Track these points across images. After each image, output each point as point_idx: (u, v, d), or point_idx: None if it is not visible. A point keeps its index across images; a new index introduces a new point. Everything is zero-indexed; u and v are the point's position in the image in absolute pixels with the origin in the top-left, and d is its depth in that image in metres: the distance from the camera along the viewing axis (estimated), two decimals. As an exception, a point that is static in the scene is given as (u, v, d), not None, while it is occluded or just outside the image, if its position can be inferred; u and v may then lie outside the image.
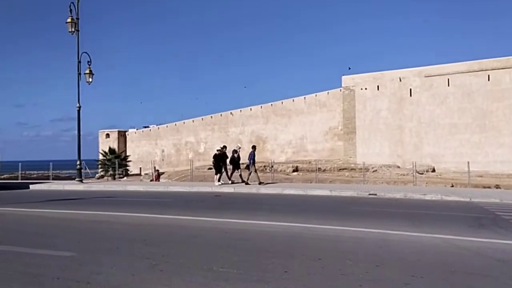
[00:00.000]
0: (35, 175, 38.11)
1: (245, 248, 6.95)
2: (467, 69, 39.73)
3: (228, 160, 21.51)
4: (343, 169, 40.37)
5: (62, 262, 6.05)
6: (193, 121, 63.64)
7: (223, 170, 20.90)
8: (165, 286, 4.91)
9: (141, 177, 44.68)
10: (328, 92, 52.12)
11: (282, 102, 56.16)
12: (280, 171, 39.65)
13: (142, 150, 66.74)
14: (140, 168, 61.84)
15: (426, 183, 27.25)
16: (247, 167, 21.13)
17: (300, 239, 7.77)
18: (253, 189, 18.53)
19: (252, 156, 20.72)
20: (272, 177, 29.76)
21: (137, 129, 69.96)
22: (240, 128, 58.94)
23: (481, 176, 31.83)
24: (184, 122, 64.27)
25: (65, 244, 7.31)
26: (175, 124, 65.12)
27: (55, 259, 6.22)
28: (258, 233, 8.42)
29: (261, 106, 58.23)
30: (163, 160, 64.54)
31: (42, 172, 38.49)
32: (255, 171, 20.82)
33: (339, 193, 16.89)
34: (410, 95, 42.76)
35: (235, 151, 21.61)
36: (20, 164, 30.35)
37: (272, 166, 36.47)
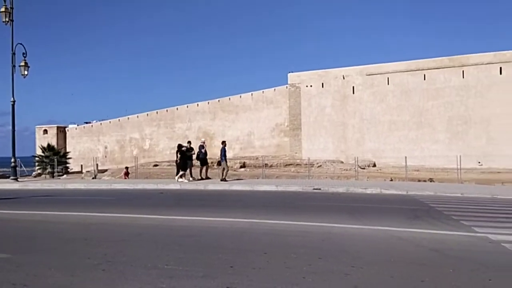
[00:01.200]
0: (-37, 174, 35.48)
1: (191, 245, 6.91)
2: (405, 69, 41.75)
3: (194, 156, 20.98)
4: (289, 164, 41.11)
5: (-6, 265, 5.70)
6: (137, 116, 62.04)
7: (188, 166, 20.29)
8: (107, 286, 4.78)
9: (83, 175, 42.95)
10: (274, 89, 52.78)
11: (229, 98, 56.16)
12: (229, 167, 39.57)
13: (83, 146, 64.16)
14: (82, 166, 59.43)
15: (367, 178, 28.39)
16: (219, 163, 20.68)
17: (246, 234, 7.83)
18: (200, 185, 18.41)
19: (224, 152, 20.24)
20: (219, 173, 29.70)
21: (78, 125, 67.13)
22: (187, 124, 58.25)
23: (417, 170, 33.63)
24: (128, 118, 62.50)
25: (0, 245, 6.90)
26: (119, 120, 63.16)
27: (-14, 262, 5.85)
28: (204, 229, 8.39)
29: (208, 102, 57.91)
30: (106, 157, 62.44)
31: (-28, 170, 35.92)
32: (226, 167, 20.38)
33: (285, 188, 17.20)
34: (353, 93, 44.29)
35: (201, 147, 20.99)
36: None
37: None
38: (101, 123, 64.95)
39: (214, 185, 18.48)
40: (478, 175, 29.02)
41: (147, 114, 61.38)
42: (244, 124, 54.12)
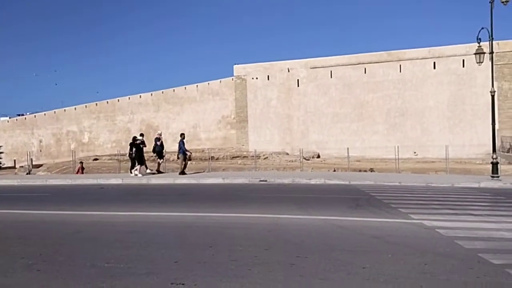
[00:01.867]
0: None
1: (134, 241, 6.71)
2: (347, 62, 43.07)
3: (151, 149, 20.44)
4: (236, 157, 41.20)
5: None
6: (75, 108, 59.31)
7: (141, 160, 19.55)
8: (43, 286, 4.52)
9: (16, 170, 40.54)
10: (220, 81, 52.51)
11: (174, 90, 55.17)
12: (172, 160, 39.02)
13: (16, 140, 60.43)
14: (15, 161, 56.03)
15: (312, 169, 29.10)
16: (178, 157, 20.15)
17: (191, 228, 7.74)
18: (143, 179, 17.95)
19: (182, 144, 19.70)
20: (164, 167, 29.16)
21: (10, 117, 63.09)
22: (129, 116, 56.53)
23: (358, 161, 34.95)
24: (65, 110, 59.57)
25: None
26: (55, 112, 60.06)
27: None
28: (148, 224, 8.19)
29: (152, 94, 56.53)
30: (41, 151, 59.25)
31: None
32: (183, 160, 19.80)
33: (232, 181, 17.20)
34: (298, 86, 45.07)
35: (157, 139, 20.47)
36: None
37: (164, 156, 35.66)
38: (35, 116, 61.50)
39: (157, 179, 18.10)
40: (414, 165, 30.66)
41: (86, 106, 58.85)
42: (190, 116, 53.44)
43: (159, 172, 20.57)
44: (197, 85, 54.11)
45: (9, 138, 60.45)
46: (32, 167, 39.05)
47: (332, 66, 43.69)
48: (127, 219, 8.81)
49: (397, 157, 24.91)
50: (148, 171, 19.84)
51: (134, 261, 5.47)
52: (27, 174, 31.39)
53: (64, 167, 34.59)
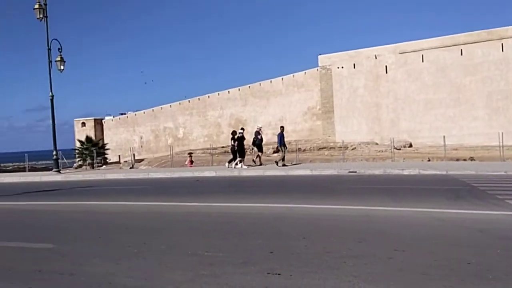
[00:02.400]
0: (10, 167, 37.17)
1: (230, 231, 6.93)
2: (440, 45, 40.18)
3: (251, 143, 20.87)
4: (323, 148, 40.72)
5: (42, 254, 5.90)
6: (170, 106, 62.83)
7: (240, 154, 19.89)
8: (149, 274, 4.84)
9: (121, 165, 44.12)
10: (305, 72, 52.12)
11: (260, 84, 55.93)
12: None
13: (120, 137, 65.73)
14: (119, 156, 61.01)
15: (404, 159, 27.73)
16: (278, 149, 20.15)
17: (284, 219, 7.79)
18: (235, 172, 18.49)
19: (281, 137, 19.92)
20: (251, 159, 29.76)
21: (114, 117, 68.69)
22: (218, 111, 58.56)
23: (456, 149, 32.56)
24: (161, 108, 63.42)
25: (46, 236, 7.15)
26: (153, 110, 64.19)
27: (35, 252, 6.07)
28: (242, 215, 8.40)
29: (239, 89, 57.89)
30: (141, 146, 63.77)
31: (18, 163, 37.57)
32: (283, 152, 19.92)
33: (320, 172, 17.02)
34: (386, 72, 43.12)
35: (258, 133, 20.63)
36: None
37: (252, 148, 36.42)
38: (135, 114, 66.22)
39: (247, 171, 18.52)
40: (522, 152, 27.76)
41: (180, 103, 62.05)
42: (276, 109, 53.86)
43: (260, 164, 20.49)
44: (282, 78, 54.28)
45: (114, 135, 65.96)
46: (135, 162, 42.16)
47: (423, 50, 41.08)
48: (222, 210, 9.13)
49: (501, 144, 22.75)
50: (245, 166, 19.56)
51: (231, 250, 5.64)
52: (130, 168, 33.95)
53: (163, 161, 36.85)
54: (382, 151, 34.70)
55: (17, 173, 26.91)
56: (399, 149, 35.50)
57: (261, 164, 20.36)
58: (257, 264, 5.00)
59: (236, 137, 19.97)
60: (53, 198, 12.48)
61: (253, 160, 20.78)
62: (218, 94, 59.11)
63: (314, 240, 6.04)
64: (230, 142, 20.34)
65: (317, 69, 48.58)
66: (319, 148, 40.96)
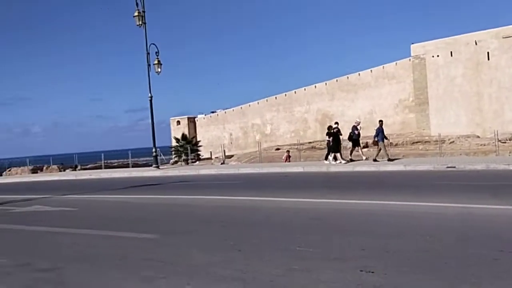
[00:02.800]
0: (116, 164, 40.70)
1: (320, 227, 6.92)
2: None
3: (347, 137, 20.35)
4: (417, 142, 38.67)
5: (147, 244, 6.43)
6: (258, 103, 64.07)
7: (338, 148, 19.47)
8: (244, 265, 5.03)
9: (212, 161, 46.04)
10: (396, 63, 49.86)
11: (347, 77, 54.70)
12: (349, 148, 38.85)
13: (211, 134, 68.58)
14: (211, 152, 63.62)
15: (510, 152, 25.29)
16: (375, 143, 19.51)
17: (376, 216, 7.58)
18: (323, 167, 18.35)
19: (380, 132, 19.22)
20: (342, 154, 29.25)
21: (205, 115, 71.83)
22: (305, 107, 58.41)
23: None
24: (249, 105, 64.93)
25: (149, 227, 7.75)
26: (241, 108, 65.97)
27: (140, 241, 6.63)
28: (332, 211, 8.35)
29: (326, 83, 57.16)
30: (231, 143, 65.92)
31: (122, 160, 41.02)
32: (384, 147, 19.35)
33: (414, 168, 16.21)
34: (488, 59, 39.61)
35: (355, 128, 20.02)
36: (102, 154, 32.62)
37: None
38: (225, 112, 68.62)
39: (336, 167, 18.27)
40: None
41: (267, 100, 63.01)
42: (365, 103, 52.30)
43: (351, 160, 19.77)
44: (371, 70, 52.51)
45: (206, 132, 69.03)
46: (225, 158, 43.74)
47: (532, 32, 37.05)
48: (311, 205, 9.13)
49: None
50: (343, 161, 18.99)
51: (322, 246, 5.65)
52: (221, 164, 35.32)
53: (251, 156, 37.78)
54: (484, 145, 32.00)
55: (122, 169, 29.44)
56: (505, 142, 32.44)
57: (351, 160, 19.74)
58: (349, 260, 4.95)
59: (331, 131, 19.32)
60: (154, 192, 13.46)
61: (350, 157, 20.01)
62: (305, 89, 58.95)
63: (409, 239, 5.80)
64: (325, 137, 19.86)
65: (410, 59, 46.19)
66: (413, 142, 38.94)
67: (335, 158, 19.24)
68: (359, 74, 53.44)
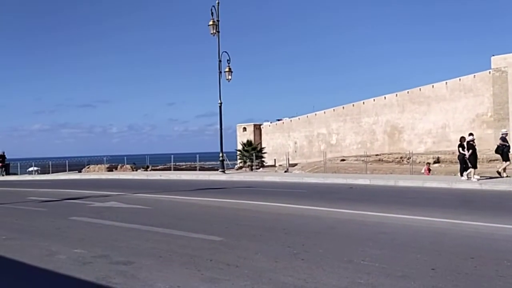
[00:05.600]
0: (184, 166, 42.17)
1: (386, 242, 6.72)
2: None
3: (494, 150, 18.49)
4: (495, 160, 36.09)
5: (213, 245, 6.62)
6: (324, 112, 63.46)
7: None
8: (306, 274, 5.02)
9: (276, 168, 46.22)
10: (474, 76, 47.09)
11: (419, 89, 52.56)
12: (419, 162, 37.22)
13: (276, 142, 68.93)
14: (275, 160, 63.89)
15: None
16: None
17: (447, 235, 7.21)
18: (391, 181, 17.75)
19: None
20: (411, 169, 28.14)
21: (271, 122, 72.38)
22: (373, 118, 56.90)
23: None
24: (315, 114, 64.51)
25: (215, 229, 7.98)
26: (307, 116, 65.71)
27: (207, 242, 6.84)
28: (398, 227, 8.06)
29: (396, 94, 55.34)
30: (295, 151, 65.75)
31: (190, 163, 42.45)
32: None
33: (492, 187, 15.16)
34: None
35: (504, 139, 17.77)
36: (172, 156, 34.00)
37: (409, 158, 34.41)
38: (291, 120, 68.71)
39: (404, 181, 17.58)
40: None
41: (334, 110, 62.22)
42: (437, 116, 49.88)
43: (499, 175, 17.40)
44: (446, 82, 50.05)
45: (270, 140, 69.53)
46: (289, 166, 43.76)
47: None
48: (376, 219, 8.88)
49: None
50: (478, 177, 16.68)
51: (388, 262, 5.48)
52: (285, 172, 35.40)
53: (315, 166, 37.44)
54: None
55: (190, 171, 30.51)
56: None
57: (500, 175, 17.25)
58: (417, 279, 4.76)
59: (468, 143, 16.90)
60: (220, 195, 13.82)
61: (498, 172, 17.66)
62: (374, 100, 57.47)
63: (484, 261, 5.46)
64: (458, 150, 17.44)
65: (490, 72, 43.43)
66: (490, 160, 36.41)
67: (468, 174, 16.68)
68: (432, 86, 51.12)
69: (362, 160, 34.06)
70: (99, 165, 40.11)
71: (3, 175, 31.75)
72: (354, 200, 12.63)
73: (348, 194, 14.31)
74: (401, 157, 39.33)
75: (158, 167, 39.62)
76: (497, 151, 18.18)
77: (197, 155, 33.42)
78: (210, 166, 45.89)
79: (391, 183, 17.40)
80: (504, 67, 41.01)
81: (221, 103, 23.77)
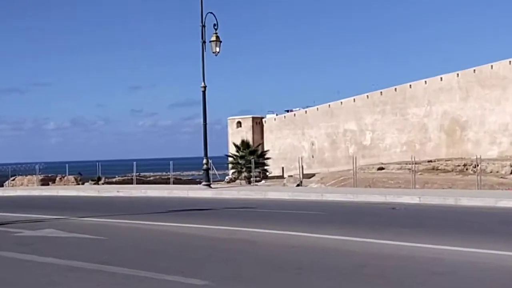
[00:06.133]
0: (151, 178, 42.29)
1: (448, 285, 6.77)
2: None
3: None
4: None
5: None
6: (354, 100, 63.55)
7: None
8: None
9: (284, 181, 46.27)
10: None
11: (491, 66, 52.60)
12: (490, 172, 37.33)
13: (284, 143, 68.91)
14: (283, 168, 63.84)
15: None
16: None
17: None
18: (449, 198, 17.81)
19: None
20: (479, 181, 28.15)
21: (277, 115, 72.34)
22: (424, 108, 56.97)
23: None
24: (341, 103, 64.55)
25: (197, 268, 7.99)
26: (329, 106, 65.74)
27: (185, 287, 6.85)
28: (461, 265, 8.08)
29: (458, 74, 55.44)
30: (312, 156, 65.88)
31: (160, 173, 42.57)
32: None
33: None
34: None
35: None
36: (134, 163, 34.04)
37: (476, 165, 34.45)
38: (306, 111, 68.70)
39: (469, 199, 17.64)
40: None
41: (367, 96, 62.27)
42: (517, 105, 49.99)
43: None
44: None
45: (276, 140, 69.53)
46: (303, 177, 43.81)
47: None
48: (429, 254, 8.89)
49: None
50: None
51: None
52: (297, 185, 35.46)
53: (341, 177, 37.50)
54: None
55: (161, 185, 30.48)
56: None
57: None
58: None
59: None
60: (204, 220, 13.82)
61: None
62: (425, 82, 57.53)
63: None
64: None
65: None
66: None
67: None
68: (510, 61, 51.19)
69: (409, 169, 34.03)
70: (29, 177, 40.18)
71: None
72: (397, 226, 12.64)
73: (389, 218, 14.34)
74: (464, 165, 39.38)
75: (114, 179, 39.71)
76: None
77: (171, 162, 33.41)
78: (189, 178, 46.01)
79: (450, 201, 17.45)
80: None
81: (205, 87, 23.79)
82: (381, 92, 60.96)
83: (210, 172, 26.51)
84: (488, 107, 51.98)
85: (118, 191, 25.11)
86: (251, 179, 40.65)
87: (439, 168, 41.15)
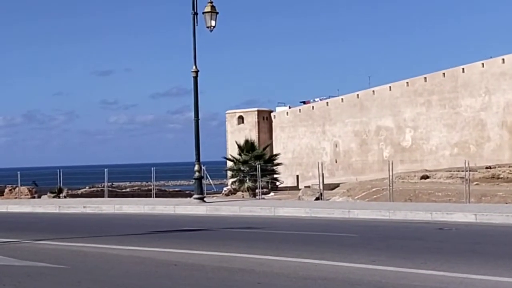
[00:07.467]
0: (128, 189, 42.30)
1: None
2: None
3: None
4: None
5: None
6: (390, 88, 63.35)
7: None
8: None
9: (300, 193, 46.15)
10: None
11: None
12: None
13: (299, 143, 68.69)
14: (297, 176, 63.72)
15: None
16: None
17: None
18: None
19: None
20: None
21: (289, 107, 72.06)
22: (481, 98, 56.78)
23: None
24: (373, 92, 64.34)
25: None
26: (357, 96, 65.54)
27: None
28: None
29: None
30: (336, 161, 65.71)
31: (139, 183, 42.59)
32: None
33: None
34: None
35: None
36: (106, 170, 34.04)
37: None
38: (327, 103, 68.39)
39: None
40: None
41: (407, 83, 62.03)
42: None
43: None
44: None
45: (289, 140, 69.27)
46: (324, 188, 43.68)
47: None
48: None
49: None
50: None
51: None
52: (316, 199, 35.35)
53: (373, 189, 37.38)
54: None
55: (139, 199, 30.49)
56: None
57: None
58: None
59: None
60: (196, 244, 13.84)
61: None
62: (483, 65, 57.23)
63: None
64: None
65: None
66: None
67: None
68: None
69: (461, 178, 33.95)
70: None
71: None
72: (446, 252, 12.65)
73: (435, 241, 14.30)
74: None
75: (80, 192, 39.74)
76: None
77: (153, 169, 33.40)
78: (176, 190, 45.96)
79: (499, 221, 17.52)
80: None
81: (197, 72, 23.75)
82: (425, 78, 60.59)
83: (204, 182, 26.47)
84: None
85: (84, 207, 25.10)
86: (257, 190, 40.51)
87: (501, 176, 40.95)
